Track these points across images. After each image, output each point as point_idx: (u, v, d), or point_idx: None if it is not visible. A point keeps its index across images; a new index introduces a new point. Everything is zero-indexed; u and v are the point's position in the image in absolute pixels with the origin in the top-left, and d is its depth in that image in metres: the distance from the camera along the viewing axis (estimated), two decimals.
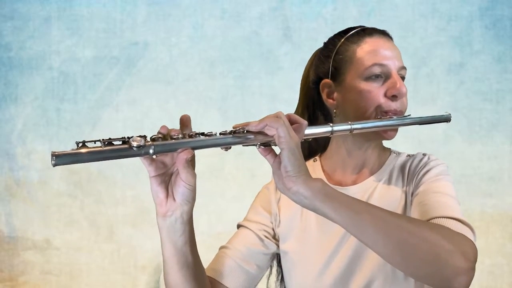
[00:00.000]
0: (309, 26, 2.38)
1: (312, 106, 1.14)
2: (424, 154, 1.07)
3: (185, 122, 0.85)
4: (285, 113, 0.86)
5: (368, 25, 1.10)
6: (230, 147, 0.84)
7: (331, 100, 1.08)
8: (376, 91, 1.01)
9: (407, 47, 2.32)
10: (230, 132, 0.83)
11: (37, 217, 2.45)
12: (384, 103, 1.01)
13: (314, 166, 1.14)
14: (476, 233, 0.88)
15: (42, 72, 2.46)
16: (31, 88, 2.47)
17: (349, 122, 0.96)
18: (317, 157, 1.16)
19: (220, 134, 0.83)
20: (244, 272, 1.06)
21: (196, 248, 0.94)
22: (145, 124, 2.43)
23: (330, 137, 1.11)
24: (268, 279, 1.19)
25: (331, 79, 1.07)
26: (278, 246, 1.11)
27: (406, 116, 1.03)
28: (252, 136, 0.83)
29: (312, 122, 1.14)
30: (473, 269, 0.79)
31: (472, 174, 2.36)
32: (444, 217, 0.88)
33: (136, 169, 2.28)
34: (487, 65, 2.37)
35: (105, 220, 2.43)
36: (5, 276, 2.48)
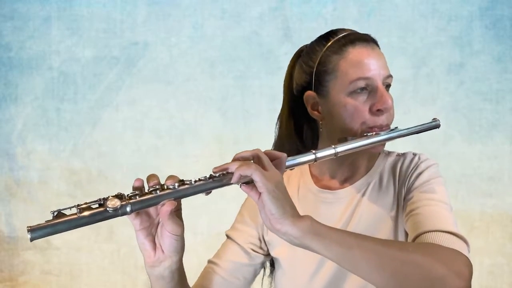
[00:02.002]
0: (309, 26, 2.38)
1: (298, 114, 1.12)
2: (415, 154, 1.05)
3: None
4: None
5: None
6: (211, 192, 0.81)
7: (316, 112, 1.05)
8: (361, 107, 0.98)
9: (407, 47, 2.31)
10: (210, 177, 0.81)
11: (37, 217, 2.43)
12: (369, 119, 0.99)
13: (302, 169, 1.14)
14: (470, 244, 0.88)
15: (42, 72, 2.46)
16: (31, 88, 2.47)
17: (333, 146, 0.93)
18: None
19: (199, 180, 0.80)
20: (231, 287, 1.06)
21: (187, 284, 0.93)
22: (145, 124, 2.43)
23: (318, 142, 1.09)
24: (262, 279, 1.19)
25: (315, 90, 1.04)
26: (265, 255, 1.11)
27: (392, 129, 0.99)
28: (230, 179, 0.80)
29: (298, 129, 1.13)
30: (468, 287, 0.80)
31: (472, 174, 2.36)
32: (437, 231, 0.88)
33: (136, 169, 2.27)
34: (487, 65, 2.37)
35: None
36: (5, 276, 2.48)
